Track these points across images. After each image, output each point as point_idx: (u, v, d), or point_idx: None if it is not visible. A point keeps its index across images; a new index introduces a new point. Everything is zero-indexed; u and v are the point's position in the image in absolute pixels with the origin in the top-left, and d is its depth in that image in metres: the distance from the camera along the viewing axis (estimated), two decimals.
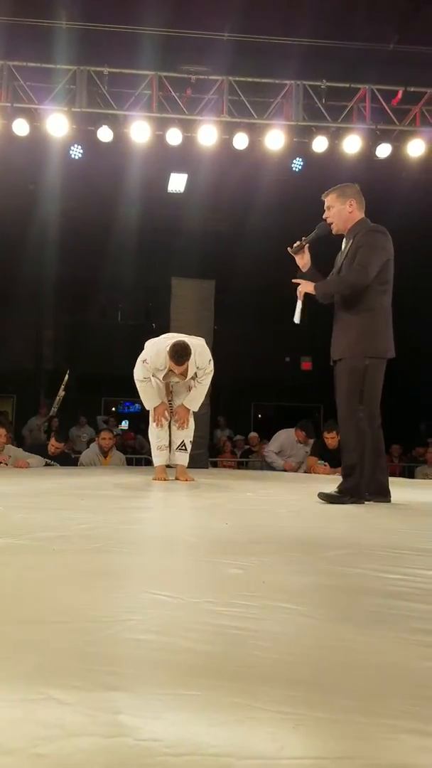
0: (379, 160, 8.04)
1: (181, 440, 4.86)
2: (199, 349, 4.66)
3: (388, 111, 8.06)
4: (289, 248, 3.65)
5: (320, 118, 7.99)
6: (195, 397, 4.83)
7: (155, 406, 4.78)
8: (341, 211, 3.56)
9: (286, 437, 7.34)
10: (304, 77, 7.89)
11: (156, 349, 4.61)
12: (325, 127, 7.98)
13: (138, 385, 4.73)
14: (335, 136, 7.98)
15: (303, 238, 3.63)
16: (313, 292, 3.56)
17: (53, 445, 6.57)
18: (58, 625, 1.17)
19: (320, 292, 3.56)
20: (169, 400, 4.93)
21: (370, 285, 3.43)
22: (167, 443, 4.90)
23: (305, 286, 3.58)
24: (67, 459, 6.73)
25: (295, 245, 3.64)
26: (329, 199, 3.61)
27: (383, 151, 8.01)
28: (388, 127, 8.06)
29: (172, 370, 4.55)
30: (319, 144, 7.93)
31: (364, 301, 3.45)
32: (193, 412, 4.93)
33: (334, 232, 3.62)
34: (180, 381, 4.73)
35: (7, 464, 5.92)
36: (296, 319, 3.60)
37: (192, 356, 4.53)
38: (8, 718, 0.79)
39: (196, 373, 4.70)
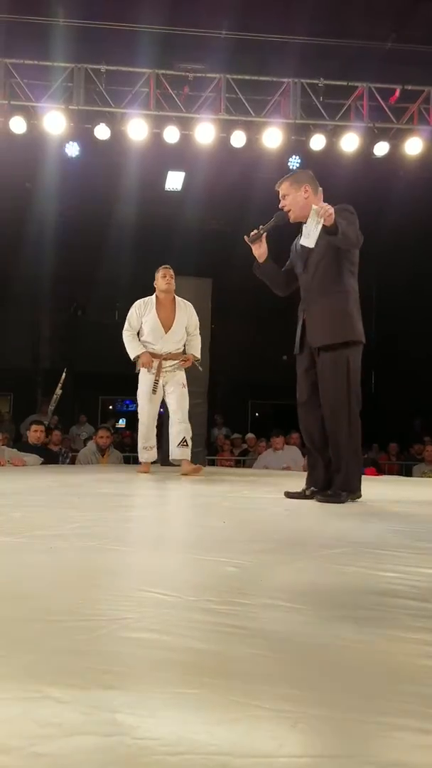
0: (376, 158, 8.04)
1: (182, 437, 4.99)
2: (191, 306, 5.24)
3: (386, 109, 8.06)
4: (246, 237, 3.60)
5: (318, 116, 7.98)
6: (196, 345, 5.23)
7: (139, 354, 5.03)
8: (296, 197, 3.50)
9: (265, 458, 7.49)
10: (301, 75, 7.89)
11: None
12: (322, 125, 7.98)
13: (124, 335, 5.12)
14: (333, 135, 7.98)
15: (260, 226, 3.58)
16: (331, 220, 3.17)
17: (35, 432, 6.56)
18: (55, 624, 1.17)
19: (338, 228, 3.20)
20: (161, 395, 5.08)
21: (343, 265, 3.38)
22: (154, 444, 5.14)
23: (327, 208, 3.17)
24: (49, 454, 6.67)
25: (252, 234, 3.60)
26: (283, 188, 3.56)
27: (381, 149, 8.01)
28: (386, 125, 8.06)
29: (159, 297, 5.04)
30: (317, 142, 7.93)
31: (339, 282, 3.40)
32: (188, 413, 5.14)
33: (291, 220, 3.56)
34: (170, 332, 5.04)
35: (3, 465, 5.90)
36: (304, 239, 3.39)
37: (186, 306, 5.14)
38: (5, 716, 0.79)
39: (187, 330, 5.15)
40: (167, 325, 5.06)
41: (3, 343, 13.64)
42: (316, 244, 3.36)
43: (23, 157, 8.49)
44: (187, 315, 5.16)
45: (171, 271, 5.06)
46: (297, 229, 3.55)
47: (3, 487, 4.00)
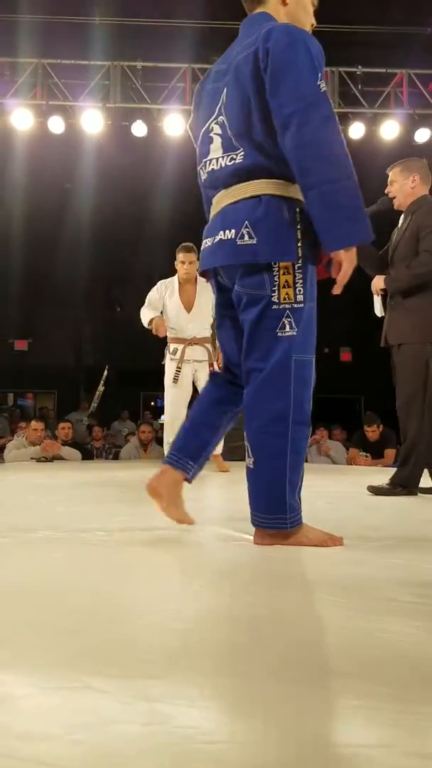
0: (418, 145, 7.89)
1: None
2: None
3: (426, 95, 7.90)
4: None
5: (356, 104, 7.88)
6: None
7: (152, 318, 4.87)
8: (404, 186, 3.47)
9: (308, 452, 7.43)
10: (339, 63, 7.78)
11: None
12: (361, 114, 7.87)
13: (141, 311, 4.99)
14: (372, 122, 7.86)
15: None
16: (384, 287, 3.47)
17: (63, 431, 6.65)
18: (96, 615, 1.18)
19: (392, 286, 3.44)
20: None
21: None
22: None
23: (378, 282, 3.49)
24: (84, 452, 6.75)
25: None
26: (393, 174, 3.53)
27: (422, 135, 7.86)
28: (427, 111, 7.90)
29: (182, 281, 4.85)
30: (356, 130, 7.81)
31: (427, 284, 3.36)
32: None
33: (396, 207, 3.53)
34: (194, 315, 4.86)
35: (47, 459, 6.00)
36: (378, 312, 3.57)
37: (208, 285, 4.93)
38: (46, 705, 0.81)
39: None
40: (189, 306, 4.91)
41: (46, 341, 13.87)
42: (403, 238, 3.42)
43: (62, 157, 8.60)
44: (209, 294, 5.00)
45: (191, 255, 4.81)
46: (399, 216, 3.55)
47: (46, 481, 4.07)
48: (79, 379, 14.26)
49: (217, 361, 4.94)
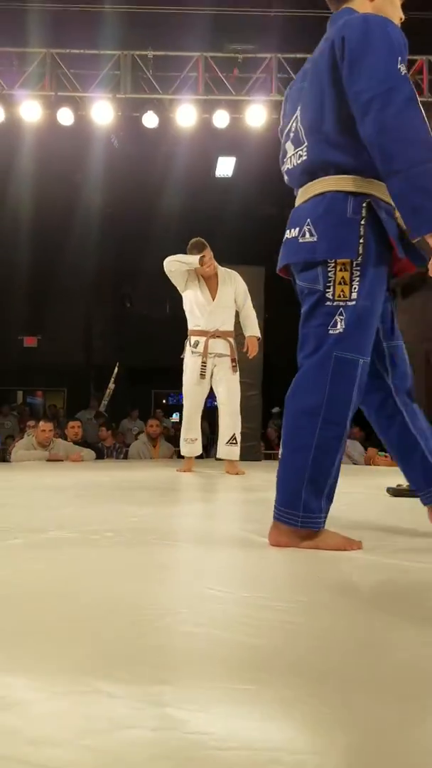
0: None
1: (231, 434, 4.76)
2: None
3: None
4: None
5: None
6: (253, 321, 4.90)
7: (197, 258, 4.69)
8: None
9: None
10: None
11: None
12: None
13: (171, 266, 4.78)
14: None
15: None
16: None
17: (72, 430, 6.68)
18: (106, 618, 1.19)
19: None
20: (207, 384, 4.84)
21: None
22: (198, 435, 4.90)
23: None
24: (95, 451, 6.78)
25: None
26: None
27: None
28: None
29: (201, 264, 4.68)
30: None
31: None
32: (239, 403, 4.88)
33: None
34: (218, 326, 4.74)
35: (62, 459, 6.03)
36: None
37: (230, 273, 4.85)
38: (56, 710, 0.81)
39: (236, 301, 4.84)
40: (213, 293, 4.77)
41: (55, 338, 13.93)
42: None
43: (71, 150, 8.63)
44: (233, 283, 4.83)
45: (208, 253, 4.70)
46: None
47: (55, 481, 4.09)
48: (89, 377, 14.32)
49: (247, 350, 4.82)
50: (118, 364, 12.16)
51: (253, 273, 6.52)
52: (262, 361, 6.23)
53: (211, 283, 4.81)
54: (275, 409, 12.02)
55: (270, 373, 7.09)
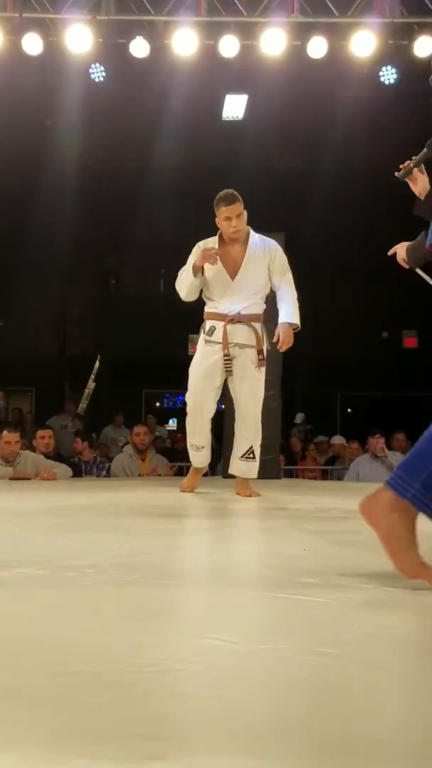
0: None
1: (249, 446, 4.68)
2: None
3: None
4: (396, 173, 3.60)
5: (425, 11, 7.81)
6: (290, 303, 4.71)
7: (194, 261, 4.67)
8: None
9: (360, 466, 7.32)
10: None
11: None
12: (431, 24, 7.80)
13: (178, 280, 4.81)
14: None
15: (412, 158, 3.57)
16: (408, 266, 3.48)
17: (42, 441, 6.65)
18: (87, 677, 1.19)
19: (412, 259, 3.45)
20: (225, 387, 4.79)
21: None
22: (205, 443, 4.80)
23: (400, 251, 3.49)
24: (72, 467, 6.79)
25: (401, 167, 3.59)
26: None
27: None
28: None
29: (226, 240, 4.64)
30: (423, 46, 7.75)
31: None
32: (261, 409, 4.75)
33: None
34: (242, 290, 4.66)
35: (30, 478, 6.03)
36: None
37: (264, 242, 4.75)
38: None
39: (271, 276, 4.74)
40: (235, 272, 4.68)
41: (21, 326, 13.91)
42: None
43: (40, 86, 8.62)
44: (268, 255, 4.73)
45: (238, 208, 4.62)
46: None
47: (23, 505, 4.09)
48: (63, 374, 14.32)
49: (277, 341, 4.63)
50: (99, 357, 12.18)
51: None
52: (283, 353, 6.20)
53: (234, 255, 4.71)
54: (299, 417, 12.00)
55: (291, 368, 7.07)
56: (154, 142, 10.98)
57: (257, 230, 4.96)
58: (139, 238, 12.87)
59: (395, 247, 3.58)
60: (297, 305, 4.75)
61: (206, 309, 4.77)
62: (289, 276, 4.79)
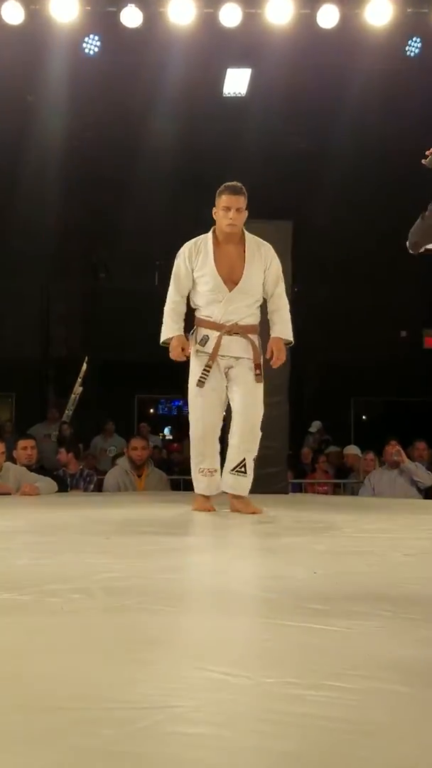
0: None
1: (241, 459, 4.64)
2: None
3: None
4: (423, 160, 3.60)
5: None
6: (283, 317, 4.78)
7: (170, 338, 4.74)
8: None
9: (375, 479, 7.31)
10: None
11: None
12: None
13: (167, 301, 4.86)
14: None
15: None
16: None
17: (24, 452, 6.64)
18: (74, 714, 1.19)
19: None
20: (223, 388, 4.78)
21: None
22: (217, 467, 4.74)
23: None
24: (57, 480, 6.76)
25: (427, 154, 3.60)
26: None
27: None
28: None
29: (220, 238, 4.69)
30: None
31: None
32: (260, 418, 4.74)
33: None
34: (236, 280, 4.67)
35: (10, 492, 6.01)
36: None
37: (262, 248, 4.76)
38: None
39: (265, 287, 4.77)
40: (232, 278, 4.69)
41: (2, 323, 13.90)
42: None
43: (21, 58, 8.63)
44: (264, 260, 4.76)
45: (240, 200, 4.64)
46: None
47: (4, 523, 4.09)
48: (46, 377, 14.31)
49: (270, 357, 4.66)
50: (87, 359, 12.17)
51: (276, 230, 6.50)
52: (290, 353, 6.20)
53: (230, 257, 4.72)
54: (315, 426, 11.93)
55: (300, 371, 7.05)
56: (147, 121, 10.98)
57: (262, 217, 4.96)
58: (131, 228, 12.86)
59: None
60: (290, 318, 4.81)
61: (198, 315, 4.78)
62: (282, 285, 4.84)
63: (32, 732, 1.12)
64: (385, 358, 13.58)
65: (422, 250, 3.61)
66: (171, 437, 14.19)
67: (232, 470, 4.65)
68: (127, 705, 1.22)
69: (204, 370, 4.63)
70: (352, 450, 9.84)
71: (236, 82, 10.70)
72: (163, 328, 4.81)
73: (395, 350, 13.91)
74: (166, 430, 14.68)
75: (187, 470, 5.72)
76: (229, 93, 10.86)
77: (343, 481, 9.16)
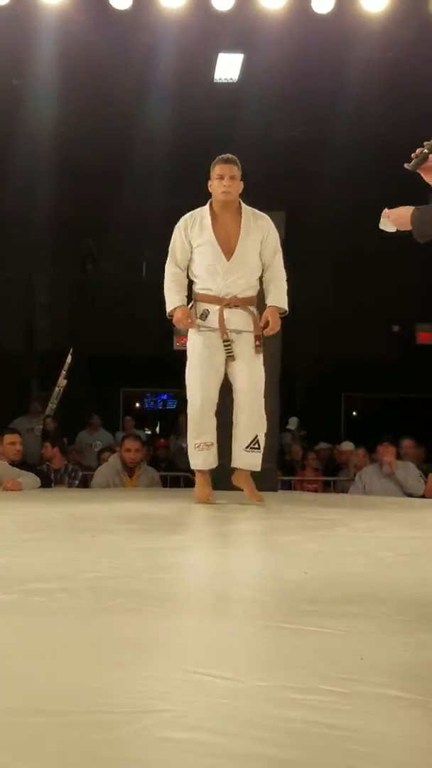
0: None
1: (254, 435, 4.82)
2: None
3: None
4: (406, 165, 3.58)
5: None
6: (279, 286, 4.90)
7: (175, 308, 4.84)
8: None
9: (366, 477, 7.31)
10: None
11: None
12: None
13: (165, 273, 4.94)
14: None
15: (425, 143, 3.56)
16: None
17: (13, 448, 6.62)
18: (58, 718, 1.18)
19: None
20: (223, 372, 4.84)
21: None
22: (213, 440, 4.88)
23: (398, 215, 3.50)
24: (40, 475, 6.75)
25: (412, 157, 3.58)
26: None
27: None
28: None
29: (216, 209, 4.79)
30: None
31: None
32: (263, 397, 4.90)
33: None
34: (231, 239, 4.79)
35: None
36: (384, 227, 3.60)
37: (258, 218, 4.89)
38: None
39: (262, 257, 4.88)
40: (229, 249, 4.79)
41: None
42: None
43: (6, 41, 8.60)
44: (261, 231, 4.89)
45: (233, 168, 4.76)
46: None
47: None
48: (29, 370, 14.29)
49: (263, 325, 4.78)
50: (72, 351, 12.15)
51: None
52: (281, 343, 6.19)
53: (228, 227, 4.82)
54: (293, 422, 11.93)
55: (290, 366, 7.04)
56: (137, 107, 10.96)
57: (253, 207, 4.98)
58: (119, 217, 12.85)
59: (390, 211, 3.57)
60: (286, 288, 4.93)
61: (196, 289, 4.86)
62: (280, 257, 4.95)
63: (14, 737, 1.11)
64: (377, 354, 13.60)
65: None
66: (159, 432, 14.18)
67: (247, 447, 4.82)
68: (113, 709, 1.22)
69: (225, 345, 4.76)
70: (347, 446, 9.85)
71: (228, 67, 10.68)
72: (166, 297, 4.90)
73: (388, 345, 13.93)
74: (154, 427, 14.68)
75: (173, 467, 5.74)
76: (220, 79, 10.84)
77: (334, 479, 9.19)
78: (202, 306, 4.80)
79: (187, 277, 4.92)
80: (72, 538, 3.38)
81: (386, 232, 3.62)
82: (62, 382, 11.58)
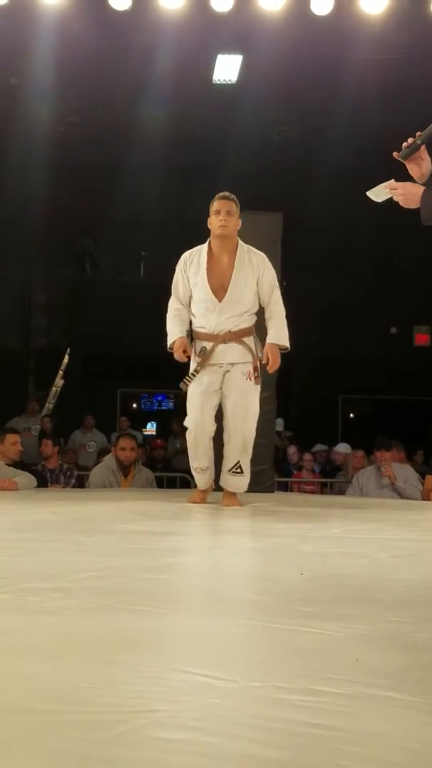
0: None
1: (236, 461, 4.94)
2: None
3: None
4: (395, 153, 3.59)
5: None
6: (278, 323, 4.96)
7: (173, 341, 4.94)
8: None
9: (363, 479, 7.30)
10: None
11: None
12: None
13: (168, 309, 5.07)
14: None
15: (416, 134, 3.57)
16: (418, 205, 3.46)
17: (14, 447, 6.62)
18: (52, 717, 1.18)
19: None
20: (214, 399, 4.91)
21: None
22: (208, 464, 5.06)
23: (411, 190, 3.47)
24: (36, 476, 6.74)
25: (403, 146, 3.58)
26: None
27: None
28: None
29: (213, 247, 4.89)
30: None
31: None
32: (255, 420, 5.00)
33: None
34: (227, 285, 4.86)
35: None
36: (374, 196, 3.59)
37: (253, 256, 4.95)
38: None
39: (260, 295, 4.97)
40: (223, 288, 4.87)
41: None
42: None
43: (4, 40, 8.60)
44: (255, 270, 4.95)
45: (230, 204, 4.85)
46: None
47: None
48: (26, 369, 14.27)
49: (264, 361, 4.88)
50: (69, 350, 12.14)
51: (266, 222, 6.51)
52: (283, 355, 6.17)
53: (221, 268, 4.91)
54: (278, 423, 11.86)
55: (286, 367, 7.00)
56: (135, 107, 10.97)
57: (252, 209, 5.00)
58: (117, 216, 12.83)
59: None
60: (286, 324, 5.01)
61: (194, 326, 4.99)
62: (278, 294, 5.05)
63: (7, 736, 1.11)
64: (374, 355, 13.59)
65: None
66: (154, 433, 14.15)
67: (229, 471, 4.97)
68: (107, 709, 1.21)
69: (191, 374, 4.90)
70: (343, 448, 9.85)
71: (227, 68, 10.69)
72: (168, 334, 5.03)
73: (385, 347, 13.92)
74: (150, 426, 14.62)
75: (170, 467, 5.79)
76: (219, 80, 10.86)
77: (330, 480, 9.17)
78: (201, 343, 4.92)
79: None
80: (67, 538, 3.38)
81: (373, 201, 3.62)
82: (59, 382, 11.57)
